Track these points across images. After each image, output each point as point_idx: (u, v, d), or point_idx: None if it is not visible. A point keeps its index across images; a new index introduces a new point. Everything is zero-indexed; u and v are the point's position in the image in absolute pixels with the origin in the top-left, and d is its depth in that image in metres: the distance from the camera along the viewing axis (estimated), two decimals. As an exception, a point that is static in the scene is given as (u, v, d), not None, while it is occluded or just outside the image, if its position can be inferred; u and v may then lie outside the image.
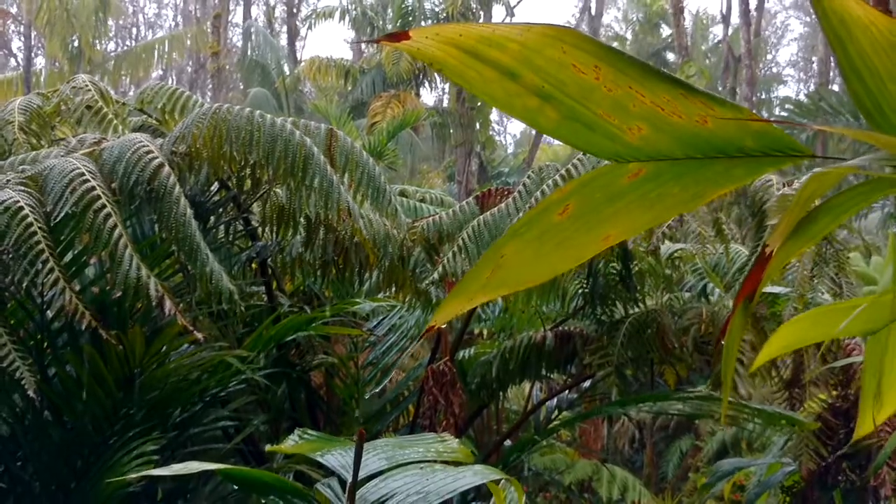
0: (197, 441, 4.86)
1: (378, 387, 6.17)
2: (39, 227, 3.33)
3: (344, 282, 5.35)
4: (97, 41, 25.24)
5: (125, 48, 39.38)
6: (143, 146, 3.77)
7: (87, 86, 4.63)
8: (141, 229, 4.45)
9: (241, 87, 32.20)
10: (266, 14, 38.66)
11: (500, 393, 6.14)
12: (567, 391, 6.60)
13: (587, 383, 6.38)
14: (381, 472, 2.07)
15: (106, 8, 23.95)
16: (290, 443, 2.27)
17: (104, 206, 3.44)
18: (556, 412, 6.52)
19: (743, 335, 5.48)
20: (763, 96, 36.05)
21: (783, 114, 29.41)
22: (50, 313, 3.80)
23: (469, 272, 1.20)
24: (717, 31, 36.43)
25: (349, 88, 26.72)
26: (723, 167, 1.07)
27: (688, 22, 32.35)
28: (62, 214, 3.43)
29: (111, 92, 4.71)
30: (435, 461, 2.21)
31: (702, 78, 25.72)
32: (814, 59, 37.26)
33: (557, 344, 5.81)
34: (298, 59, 32.79)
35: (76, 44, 23.87)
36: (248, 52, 29.77)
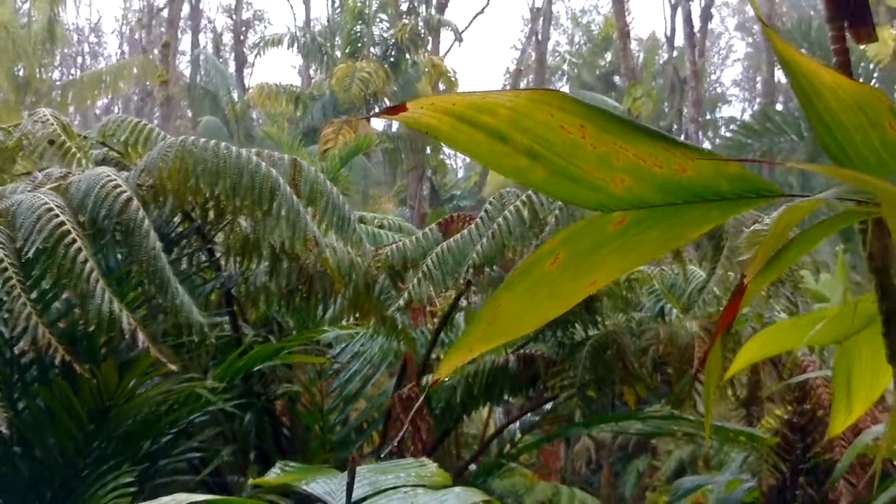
0: (164, 473, 4.85)
1: (342, 415, 6.21)
2: (10, 263, 3.35)
3: (309, 309, 5.39)
4: (43, 70, 24.99)
5: (69, 77, 38.98)
6: (111, 180, 3.79)
7: (48, 119, 4.64)
8: (107, 262, 4.46)
9: (190, 114, 32.03)
10: (214, 41, 38.53)
11: (464, 417, 6.21)
12: (529, 413, 6.69)
13: (549, 405, 6.47)
14: (366, 498, 2.13)
15: (52, 37, 23.73)
16: (274, 475, 2.32)
17: (75, 241, 3.46)
18: (519, 435, 6.59)
19: (702, 356, 5.62)
20: (709, 116, 36.72)
21: (728, 134, 30.03)
22: (18, 348, 3.80)
23: (468, 325, 1.29)
24: (665, 54, 37.05)
25: (299, 115, 26.71)
26: (700, 211, 1.17)
27: (634, 45, 32.94)
28: (33, 250, 3.44)
29: (73, 125, 4.71)
30: (417, 485, 2.27)
31: (649, 100, 26.16)
32: (758, 78, 38.08)
33: (520, 367, 5.90)
34: (247, 86, 32.73)
35: (21, 73, 23.59)
36: (197, 80, 29.66)
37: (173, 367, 3.47)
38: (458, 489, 2.25)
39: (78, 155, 4.49)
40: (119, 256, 4.44)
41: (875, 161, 1.20)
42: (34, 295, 3.62)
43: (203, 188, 4.13)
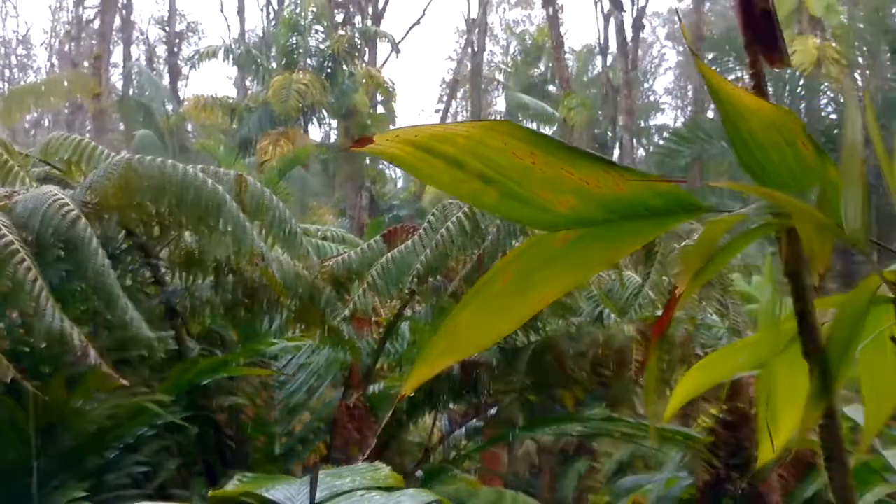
0: (109, 489, 4.86)
1: (288, 426, 6.25)
2: (-42, 283, 3.36)
3: (254, 322, 5.45)
4: (-31, 83, 24.50)
5: (-4, 91, 38.19)
6: (58, 198, 3.82)
7: (-11, 138, 4.64)
8: (49, 281, 4.46)
9: (122, 128, 31.58)
10: (147, 54, 38.09)
11: (409, 424, 6.30)
12: (474, 419, 6.81)
13: (493, 410, 6.60)
14: (324, 501, 2.22)
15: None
16: (233, 485, 2.40)
17: (24, 260, 3.49)
18: (464, 441, 6.71)
19: (638, 357, 5.80)
20: (642, 124, 37.34)
21: (661, 141, 30.63)
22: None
23: (429, 343, 1.40)
24: (599, 63, 37.58)
25: (234, 126, 26.55)
26: (636, 225, 1.30)
27: (568, 55, 33.42)
28: (-20, 269, 3.46)
29: (14, 144, 4.72)
30: (371, 488, 2.37)
31: (583, 109, 26.57)
32: (689, 86, 38.83)
33: (463, 374, 6.01)
34: (181, 98, 32.40)
35: (-53, 87, 23.11)
36: (130, 93, 29.29)
37: (124, 383, 3.52)
38: (411, 490, 2.35)
39: (21, 174, 4.50)
40: (63, 274, 4.46)
41: (789, 175, 1.34)
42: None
43: (148, 205, 4.18)
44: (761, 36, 1.64)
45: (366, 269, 5.10)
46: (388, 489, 2.33)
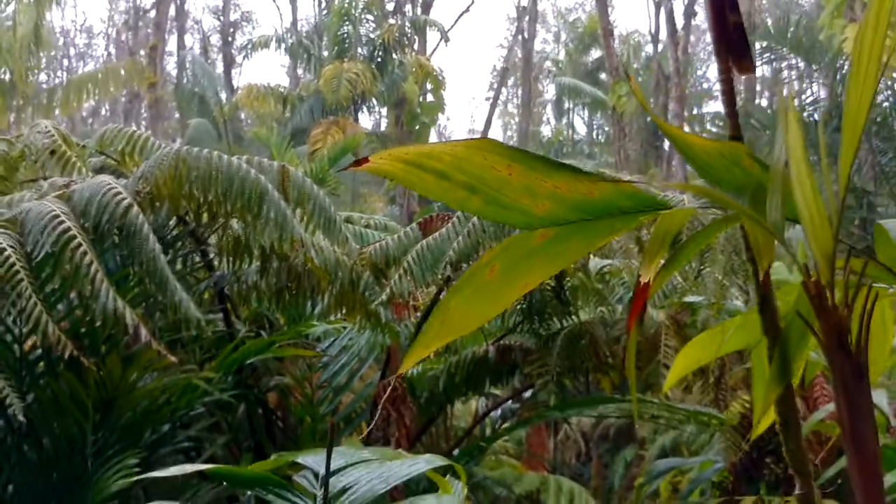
0: (162, 463, 5.16)
1: (331, 405, 6.51)
2: (22, 267, 3.65)
3: (298, 306, 5.71)
4: (29, 74, 25.14)
5: (56, 80, 39.08)
6: (113, 188, 4.10)
7: (49, 131, 4.94)
8: (106, 265, 4.76)
9: (177, 116, 32.24)
10: (202, 43, 38.74)
11: (448, 406, 6.53)
12: (510, 401, 7.01)
13: (528, 393, 6.81)
14: (343, 468, 2.45)
15: (38, 40, 23.89)
16: (273, 456, 2.65)
17: (80, 245, 3.77)
18: (501, 422, 6.92)
19: (668, 342, 5.95)
20: (695, 111, 37.07)
21: (713, 129, 30.40)
22: (28, 345, 4.11)
23: (425, 325, 1.63)
24: (650, 50, 37.38)
25: (287, 115, 26.94)
26: (607, 223, 1.51)
27: (617, 42, 33.28)
28: (42, 254, 3.74)
29: (61, 128, 5.02)
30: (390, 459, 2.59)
31: (633, 97, 26.49)
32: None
33: (499, 357, 6.23)
34: (235, 87, 32.94)
35: (8, 77, 23.74)
36: (185, 82, 29.89)
37: (173, 359, 3.78)
38: (428, 456, 2.57)
39: (78, 164, 4.79)
40: (118, 259, 4.75)
41: (736, 184, 1.55)
42: (41, 296, 3.92)
43: (196, 194, 4.44)
44: (733, 46, 1.83)
45: (402, 255, 5.33)
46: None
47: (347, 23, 26.29)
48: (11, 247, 3.71)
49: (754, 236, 1.51)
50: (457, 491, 2.55)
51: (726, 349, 2.17)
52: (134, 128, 5.28)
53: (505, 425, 6.80)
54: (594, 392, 6.94)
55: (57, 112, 26.48)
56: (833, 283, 1.29)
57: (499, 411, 7.10)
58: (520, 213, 1.51)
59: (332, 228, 4.86)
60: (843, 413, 1.35)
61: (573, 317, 6.16)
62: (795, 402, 1.69)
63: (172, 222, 5.23)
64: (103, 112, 40.60)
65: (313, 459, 2.53)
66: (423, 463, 2.46)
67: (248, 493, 5.01)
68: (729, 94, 1.80)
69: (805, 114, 19.57)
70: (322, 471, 2.42)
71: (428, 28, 29.53)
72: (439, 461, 2.49)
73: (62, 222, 3.83)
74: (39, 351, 4.27)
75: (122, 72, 24.17)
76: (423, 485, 4.93)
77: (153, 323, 4.67)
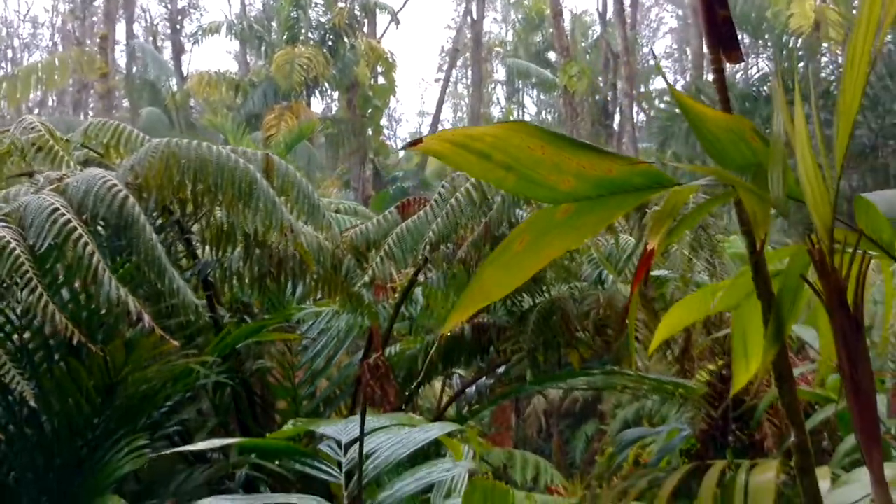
0: (152, 449, 5.31)
1: (311, 388, 6.68)
2: (26, 259, 3.78)
3: (280, 291, 5.87)
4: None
5: (0, 71, 38.39)
6: (108, 180, 4.23)
7: (35, 125, 5.03)
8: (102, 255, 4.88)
9: (126, 105, 31.86)
10: (151, 32, 38.28)
11: (425, 382, 6.74)
12: (484, 377, 7.24)
13: (501, 369, 7.05)
14: (369, 434, 2.65)
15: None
16: (288, 426, 2.83)
17: (81, 237, 3.90)
18: (476, 398, 7.15)
19: (637, 315, 6.21)
20: (643, 89, 37.50)
21: (662, 105, 30.85)
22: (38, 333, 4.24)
23: (463, 292, 1.83)
24: (597, 29, 37.66)
25: (238, 102, 26.80)
26: (621, 199, 1.71)
27: (567, 22, 33.55)
28: (45, 245, 3.87)
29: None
30: (403, 425, 2.79)
31: (583, 77, 26.81)
32: (687, 50, 38.95)
33: (474, 335, 6.44)
34: (185, 74, 32.66)
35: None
36: (134, 71, 29.58)
37: (175, 344, 3.93)
38: (440, 423, 2.77)
39: (66, 158, 4.90)
40: (107, 250, 4.87)
41: (742, 160, 1.76)
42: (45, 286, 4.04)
43: (187, 184, 4.58)
44: (723, 39, 2.04)
45: (382, 238, 5.51)
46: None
47: (297, 7, 26.21)
48: (15, 240, 3.83)
49: (752, 210, 1.72)
50: (467, 455, 2.75)
51: (717, 310, 2.37)
52: (118, 122, 5.39)
53: (475, 406, 7.03)
54: (565, 366, 7.19)
55: (3, 103, 26.08)
56: (832, 250, 1.51)
57: (473, 387, 7.32)
58: (547, 189, 1.70)
59: (316, 214, 5.03)
60: (843, 361, 1.57)
61: (545, 294, 6.39)
62: (789, 359, 1.92)
63: (156, 213, 5.35)
64: (50, 102, 39.97)
65: (333, 429, 2.72)
66: (436, 429, 2.66)
67: (239, 473, 5.23)
68: (721, 84, 2.01)
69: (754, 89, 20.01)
70: (344, 439, 2.61)
71: (378, 11, 29.53)
72: (451, 427, 2.70)
73: (63, 215, 3.96)
74: (39, 340, 4.39)
75: (72, 62, 23.88)
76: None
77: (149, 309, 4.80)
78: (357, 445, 2.61)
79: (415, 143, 1.60)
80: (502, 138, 1.60)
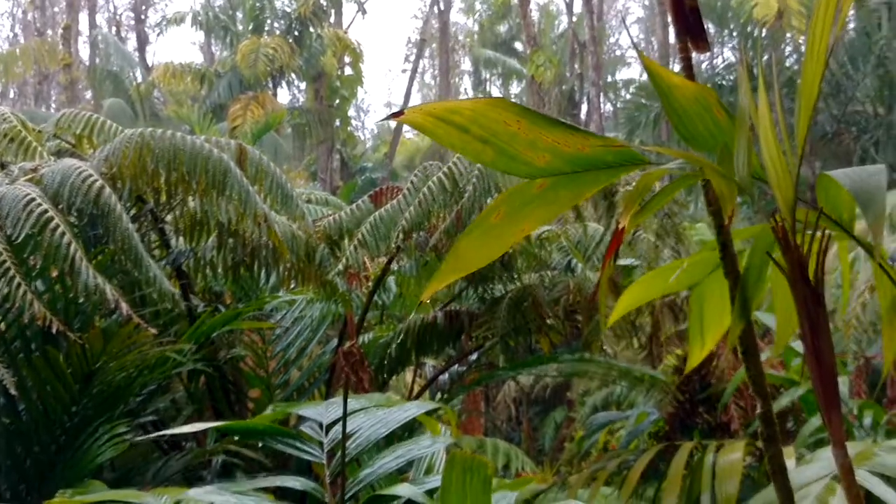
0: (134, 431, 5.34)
1: (285, 376, 6.73)
2: (3, 248, 3.80)
3: (253, 279, 5.91)
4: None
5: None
6: (83, 171, 4.25)
7: (8, 116, 5.03)
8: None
9: (89, 96, 31.52)
10: (114, 22, 37.87)
11: (399, 370, 6.81)
12: (456, 364, 7.33)
13: (473, 356, 7.14)
14: (342, 418, 2.72)
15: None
16: (269, 410, 2.89)
17: (58, 226, 3.93)
18: (450, 384, 7.24)
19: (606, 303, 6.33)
20: (609, 79, 37.69)
21: (628, 95, 31.05)
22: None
23: (441, 263, 1.89)
24: (564, 19, 37.77)
25: (203, 92, 26.61)
26: (594, 175, 1.79)
27: (535, 13, 33.62)
28: (22, 235, 3.89)
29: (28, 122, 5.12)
30: (380, 406, 2.87)
31: (551, 66, 26.93)
32: (653, 40, 39.19)
33: (447, 322, 6.53)
34: (150, 65, 32.35)
35: None
36: (97, 61, 29.25)
37: (153, 331, 3.98)
38: (418, 402, 2.85)
39: (39, 149, 4.91)
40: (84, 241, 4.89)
41: (709, 136, 1.84)
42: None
43: (161, 173, 4.61)
44: (690, 28, 2.12)
45: (356, 227, 5.57)
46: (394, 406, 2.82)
47: (262, -4, 26.08)
48: (-9, 229, 3.85)
49: (719, 189, 1.80)
50: (445, 432, 2.83)
51: (675, 288, 2.45)
52: (90, 113, 5.39)
53: (446, 393, 7.12)
54: (535, 351, 7.30)
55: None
56: (794, 227, 1.60)
57: (447, 374, 7.41)
58: (524, 164, 1.77)
59: (289, 203, 5.08)
60: (805, 332, 1.66)
61: (517, 281, 6.49)
62: (755, 335, 2.01)
63: (129, 203, 5.37)
64: (11, 94, 39.42)
65: (314, 411, 2.79)
66: (414, 408, 2.74)
67: (215, 460, 5.28)
68: (688, 71, 2.09)
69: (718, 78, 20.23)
70: (324, 420, 2.68)
71: (344, 0, 29.43)
72: (429, 405, 2.78)
73: (39, 205, 3.98)
74: (16, 329, 4.41)
75: (34, 53, 23.61)
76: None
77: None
78: (338, 426, 2.68)
79: (397, 114, 1.66)
80: (480, 112, 1.67)
